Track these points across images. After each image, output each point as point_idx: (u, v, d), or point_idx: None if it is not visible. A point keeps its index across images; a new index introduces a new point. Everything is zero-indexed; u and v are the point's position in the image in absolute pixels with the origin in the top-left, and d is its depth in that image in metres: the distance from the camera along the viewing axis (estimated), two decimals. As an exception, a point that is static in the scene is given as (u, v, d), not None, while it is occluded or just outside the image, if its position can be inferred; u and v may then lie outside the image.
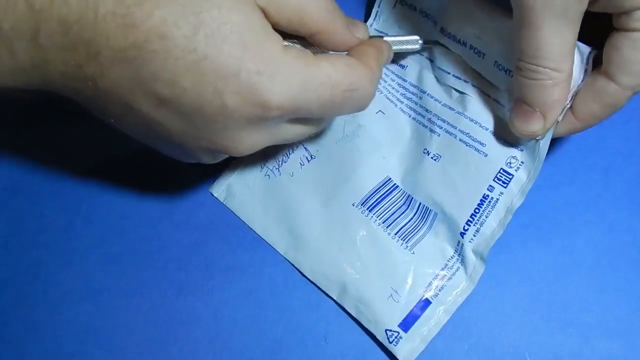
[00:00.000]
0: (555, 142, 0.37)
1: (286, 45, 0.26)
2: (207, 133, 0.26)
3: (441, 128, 0.34)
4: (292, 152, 0.36)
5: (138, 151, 0.37)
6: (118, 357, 0.33)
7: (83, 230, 0.36)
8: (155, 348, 0.34)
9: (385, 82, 0.37)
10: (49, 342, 0.34)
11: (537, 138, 0.31)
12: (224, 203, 0.36)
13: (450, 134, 0.34)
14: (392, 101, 0.37)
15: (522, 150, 0.32)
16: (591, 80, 0.30)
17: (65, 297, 0.35)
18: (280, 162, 0.36)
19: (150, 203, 0.37)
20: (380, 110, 0.36)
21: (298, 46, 0.28)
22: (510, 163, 0.33)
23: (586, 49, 0.30)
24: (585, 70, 0.30)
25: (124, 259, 0.36)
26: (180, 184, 0.37)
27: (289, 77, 0.26)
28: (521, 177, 0.32)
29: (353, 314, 0.33)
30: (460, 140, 0.34)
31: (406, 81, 0.36)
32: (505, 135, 0.33)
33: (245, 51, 0.25)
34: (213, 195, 0.36)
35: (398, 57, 0.37)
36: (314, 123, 0.30)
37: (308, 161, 0.36)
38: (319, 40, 0.29)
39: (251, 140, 0.27)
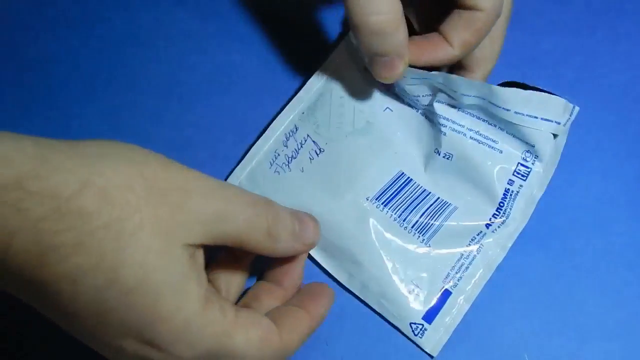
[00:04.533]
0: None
1: (207, 297, 0.26)
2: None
3: (445, 127, 0.34)
4: (301, 146, 0.36)
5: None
6: None
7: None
8: None
9: None
10: (49, 342, 0.34)
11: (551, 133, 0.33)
12: None
13: (457, 132, 0.34)
14: (399, 96, 0.36)
15: (534, 145, 0.33)
16: (458, 12, 0.32)
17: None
18: (289, 158, 0.36)
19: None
20: (387, 107, 0.36)
21: (217, 296, 0.27)
22: (526, 158, 0.34)
23: None
24: None
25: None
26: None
27: (195, 345, 0.25)
28: (538, 171, 0.34)
29: (376, 309, 0.34)
30: (470, 138, 0.34)
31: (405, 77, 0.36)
32: (515, 132, 0.33)
33: (157, 310, 0.24)
34: None
35: None
36: None
37: (317, 155, 0.36)
38: (258, 254, 0.29)
39: None
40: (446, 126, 0.34)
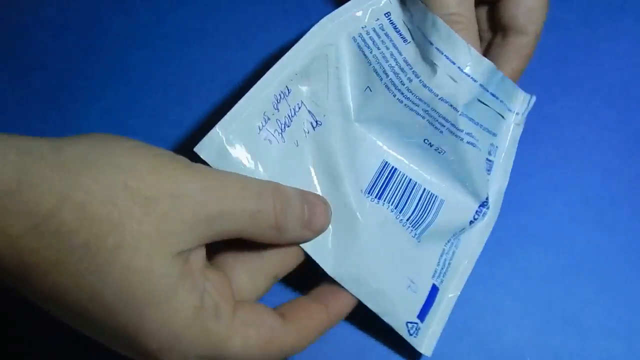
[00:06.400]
0: (553, 142, 0.37)
1: (200, 306, 0.24)
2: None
3: (444, 127, 0.32)
4: (295, 114, 0.31)
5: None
6: (117, 358, 0.34)
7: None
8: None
9: (379, 49, 0.32)
10: (48, 340, 0.34)
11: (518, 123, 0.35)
12: (213, 166, 0.28)
13: (456, 135, 0.32)
14: (378, 74, 0.32)
15: (496, 135, 0.34)
16: (503, 43, 0.34)
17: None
18: (282, 126, 0.30)
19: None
20: (368, 87, 0.32)
21: (214, 297, 0.25)
22: (490, 151, 0.34)
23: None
24: None
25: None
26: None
27: (187, 355, 0.24)
28: (499, 161, 0.35)
29: (369, 306, 0.31)
30: (467, 142, 0.33)
31: (402, 55, 0.32)
32: (489, 125, 0.34)
33: (142, 326, 0.24)
34: (200, 155, 0.29)
35: (399, 25, 0.33)
36: None
37: (314, 128, 0.31)
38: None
39: None
40: (445, 126, 0.32)
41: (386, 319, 0.31)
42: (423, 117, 0.32)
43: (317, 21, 0.33)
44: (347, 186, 0.31)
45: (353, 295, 0.30)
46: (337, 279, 0.30)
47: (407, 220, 0.33)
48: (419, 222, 0.33)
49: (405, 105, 0.32)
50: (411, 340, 0.31)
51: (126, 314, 0.23)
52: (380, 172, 0.33)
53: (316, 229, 0.29)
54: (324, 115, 0.31)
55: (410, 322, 0.32)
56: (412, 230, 0.33)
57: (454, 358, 0.33)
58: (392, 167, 0.33)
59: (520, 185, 0.36)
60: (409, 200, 0.33)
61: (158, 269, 0.23)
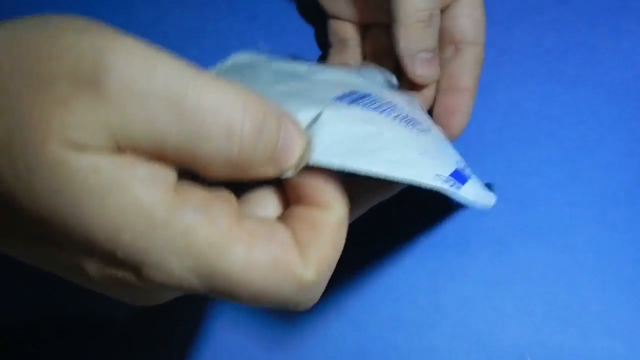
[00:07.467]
0: (553, 142, 0.37)
1: (166, 193, 0.17)
2: None
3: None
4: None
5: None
6: (116, 357, 0.34)
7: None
8: (153, 348, 0.34)
9: None
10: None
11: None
12: None
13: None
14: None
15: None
16: (459, 55, 0.33)
17: (57, 295, 0.35)
18: None
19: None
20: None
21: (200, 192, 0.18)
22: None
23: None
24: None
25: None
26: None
27: (175, 255, 0.17)
28: None
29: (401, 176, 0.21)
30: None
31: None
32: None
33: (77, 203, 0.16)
34: None
35: None
36: None
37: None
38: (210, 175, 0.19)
39: None
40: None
41: (417, 178, 0.22)
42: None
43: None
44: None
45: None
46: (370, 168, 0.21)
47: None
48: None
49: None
50: (452, 191, 0.23)
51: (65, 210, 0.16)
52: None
53: (286, 165, 0.19)
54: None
55: (440, 175, 0.24)
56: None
57: (454, 358, 0.33)
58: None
59: (520, 185, 0.36)
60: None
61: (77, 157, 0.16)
